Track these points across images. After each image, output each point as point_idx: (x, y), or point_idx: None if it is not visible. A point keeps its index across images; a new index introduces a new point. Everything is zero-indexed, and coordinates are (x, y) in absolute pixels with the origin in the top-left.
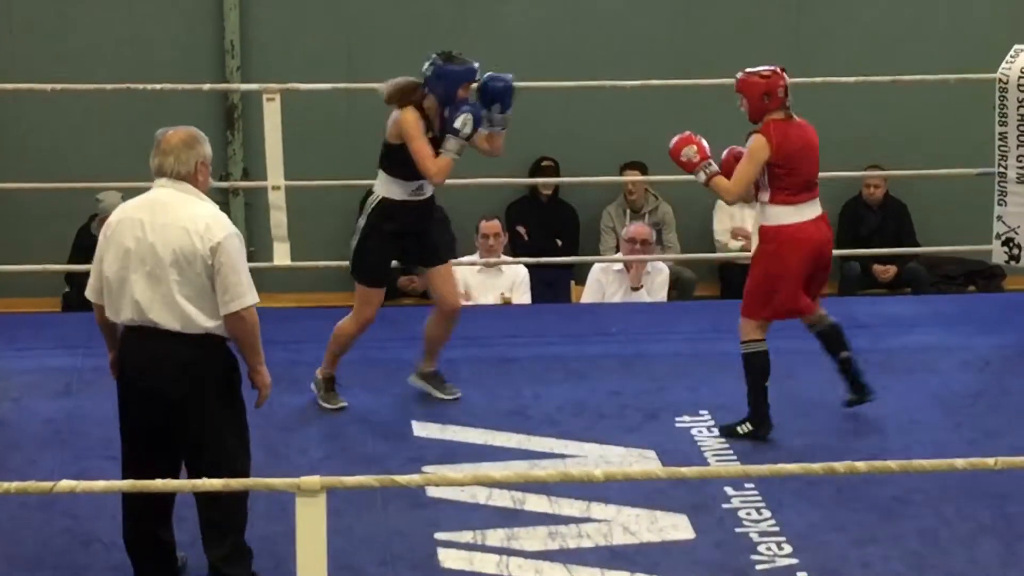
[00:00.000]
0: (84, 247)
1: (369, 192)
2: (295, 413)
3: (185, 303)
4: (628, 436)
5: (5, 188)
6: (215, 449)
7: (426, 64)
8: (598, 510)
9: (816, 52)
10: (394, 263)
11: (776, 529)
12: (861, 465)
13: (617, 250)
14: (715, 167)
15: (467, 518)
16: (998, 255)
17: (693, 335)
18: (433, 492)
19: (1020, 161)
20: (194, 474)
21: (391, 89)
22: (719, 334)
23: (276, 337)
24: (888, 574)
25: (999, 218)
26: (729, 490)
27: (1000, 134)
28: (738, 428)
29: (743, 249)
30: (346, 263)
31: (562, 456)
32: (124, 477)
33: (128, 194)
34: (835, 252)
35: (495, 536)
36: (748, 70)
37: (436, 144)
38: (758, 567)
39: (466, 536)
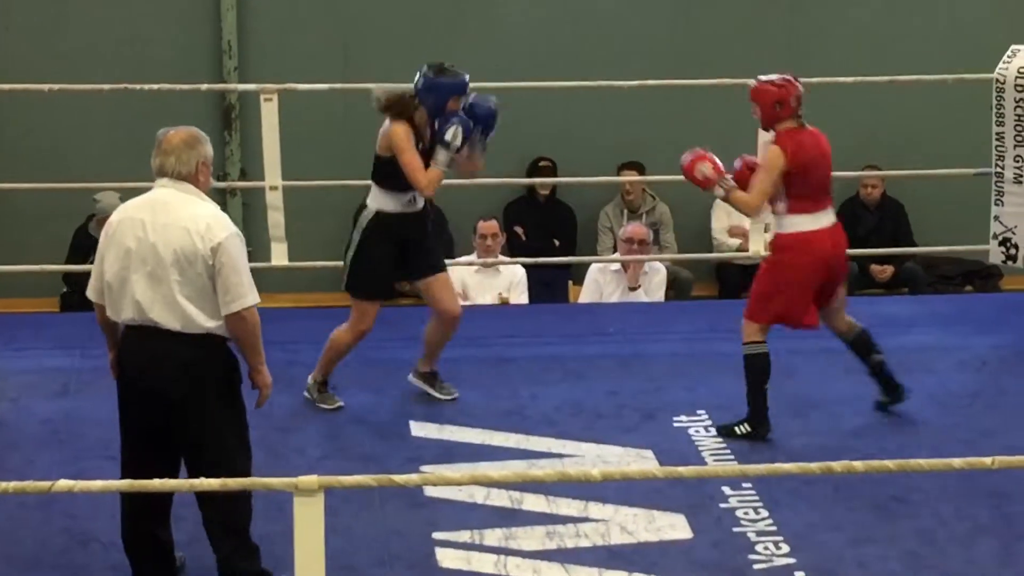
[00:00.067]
0: (82, 247)
1: (362, 206)
2: (293, 413)
3: (186, 303)
4: (626, 436)
5: (2, 188)
6: (215, 449)
7: (417, 76)
8: (596, 510)
9: (813, 52)
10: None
11: (774, 529)
12: (858, 465)
13: (614, 250)
14: (731, 182)
15: (465, 518)
16: (995, 255)
17: (690, 335)
18: (431, 492)
19: (1017, 161)
20: (195, 474)
21: (386, 99)
22: (716, 334)
23: (273, 337)
24: (885, 574)
25: (996, 218)
26: (727, 490)
27: (997, 134)
28: (736, 428)
29: (741, 248)
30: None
31: (560, 456)
32: (123, 476)
33: (126, 194)
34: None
35: (493, 536)
36: (762, 78)
37: (426, 156)
38: (756, 567)
39: (464, 536)
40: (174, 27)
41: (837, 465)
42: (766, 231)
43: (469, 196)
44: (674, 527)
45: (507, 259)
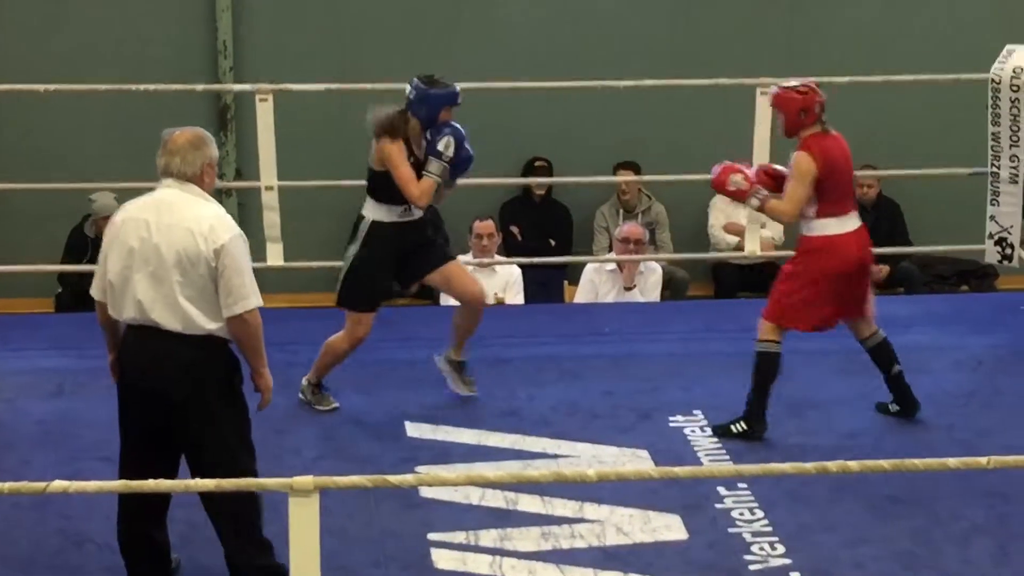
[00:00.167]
0: (77, 248)
1: (360, 218)
2: (288, 414)
3: (187, 304)
4: (621, 436)
5: None
6: (217, 449)
7: (408, 88)
8: (591, 510)
9: (809, 52)
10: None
11: (769, 529)
12: (854, 465)
13: (610, 250)
14: (765, 192)
15: (460, 518)
16: (991, 255)
17: (686, 335)
18: (426, 492)
19: (1013, 161)
20: (198, 475)
21: (378, 126)
22: (712, 334)
23: (269, 338)
24: (881, 574)
25: (992, 218)
26: (722, 490)
27: (993, 134)
28: (732, 427)
29: (738, 246)
30: (339, 263)
31: (555, 456)
32: (122, 477)
33: (122, 195)
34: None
35: (488, 536)
36: (784, 85)
37: (419, 167)
38: (751, 567)
39: (459, 537)
40: (170, 27)
41: (832, 465)
42: (763, 227)
43: (465, 196)
44: (669, 528)
45: (503, 259)
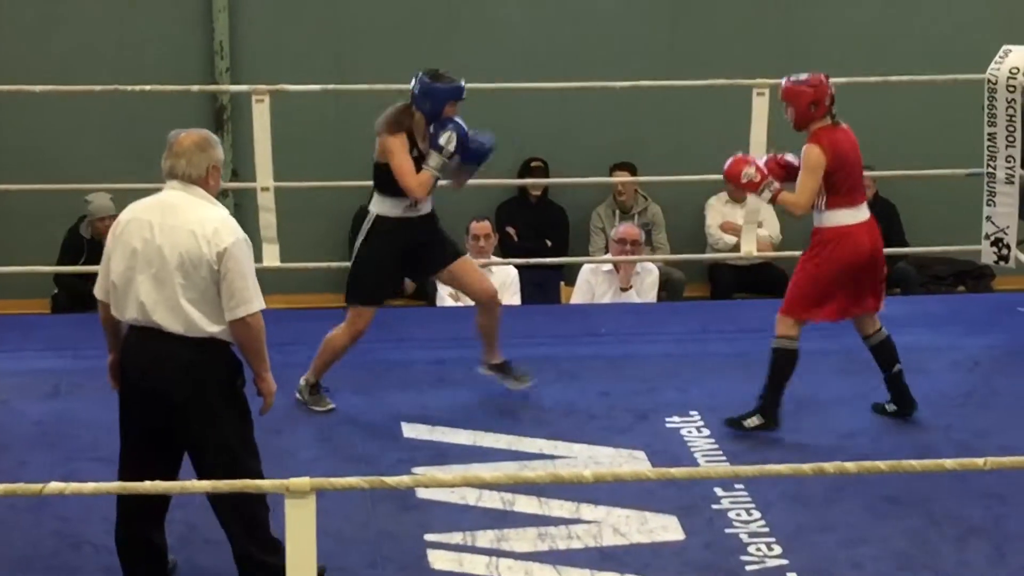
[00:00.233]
0: (73, 249)
1: (367, 212)
2: (284, 415)
3: (189, 307)
4: (618, 437)
5: None
6: (218, 451)
7: (413, 81)
8: (588, 511)
9: (805, 53)
10: (407, 281)
11: (766, 530)
12: (851, 466)
13: (607, 251)
14: (777, 184)
15: (457, 519)
16: (987, 255)
17: (683, 336)
18: (423, 493)
19: (1009, 162)
20: (201, 476)
21: (383, 124)
22: (709, 335)
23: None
24: (878, 574)
25: (988, 218)
26: (719, 491)
27: (989, 135)
28: (745, 422)
29: (735, 246)
30: (335, 264)
31: (552, 457)
32: (121, 478)
33: (118, 196)
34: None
35: (485, 537)
36: (793, 78)
37: (423, 161)
38: (748, 568)
39: (456, 537)
40: (166, 28)
41: (829, 466)
42: (759, 227)
43: (461, 197)
44: (666, 528)
45: (499, 260)
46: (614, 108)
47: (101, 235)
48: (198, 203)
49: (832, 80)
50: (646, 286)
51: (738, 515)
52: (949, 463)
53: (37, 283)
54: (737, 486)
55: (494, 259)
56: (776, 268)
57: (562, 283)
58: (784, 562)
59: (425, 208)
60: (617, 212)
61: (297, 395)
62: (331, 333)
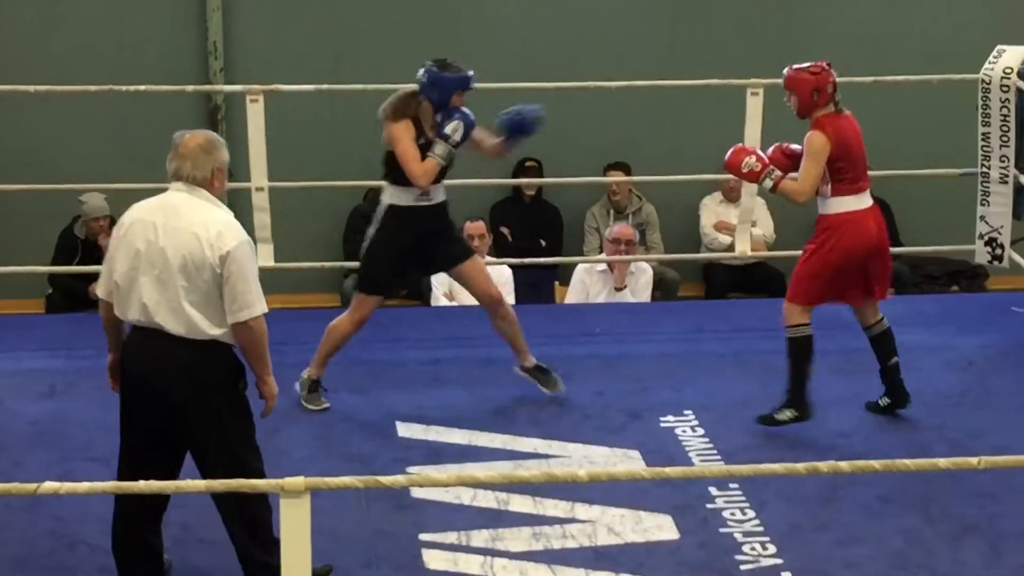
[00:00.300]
0: (67, 249)
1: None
2: (279, 414)
3: (191, 310)
4: (612, 436)
5: None
6: (219, 451)
7: (420, 71)
8: (582, 511)
9: (800, 53)
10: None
11: (760, 529)
12: (845, 465)
13: (601, 251)
14: (779, 172)
15: (451, 519)
16: (981, 255)
17: (677, 335)
18: (417, 493)
19: (1003, 161)
20: (203, 477)
21: (388, 110)
22: (703, 334)
23: None
24: (873, 574)
25: (982, 218)
26: (713, 490)
27: (983, 134)
28: (778, 416)
29: (730, 246)
30: (330, 264)
31: (546, 456)
32: (120, 478)
33: (112, 196)
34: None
35: (479, 537)
36: (796, 66)
37: (428, 149)
38: (742, 567)
39: (450, 537)
40: (160, 28)
41: (823, 465)
42: (753, 226)
43: (455, 197)
44: (661, 528)
45: (493, 260)
46: (608, 108)
47: (95, 235)
48: (202, 205)
49: None
50: (640, 286)
51: (732, 514)
52: (943, 462)
53: (31, 283)
54: (732, 485)
55: (488, 259)
56: (770, 267)
57: (556, 283)
58: (778, 561)
59: (437, 197)
60: (611, 212)
61: (297, 387)
62: (333, 322)
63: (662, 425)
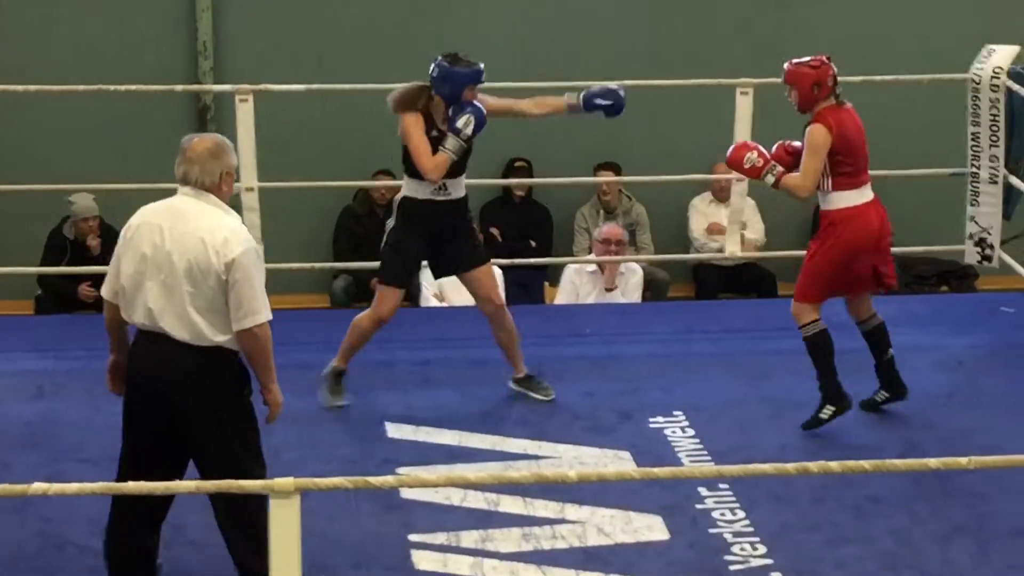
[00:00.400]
0: (56, 249)
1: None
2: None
3: (196, 315)
4: (602, 437)
5: None
6: (221, 455)
7: (432, 65)
8: (572, 511)
9: (791, 53)
10: (425, 267)
11: (750, 529)
12: (834, 465)
13: (591, 251)
14: (780, 168)
15: (441, 520)
16: (971, 255)
17: (667, 336)
18: (407, 494)
19: (992, 161)
20: (204, 479)
21: (395, 100)
22: (693, 335)
23: None
24: (862, 574)
25: (972, 218)
26: (703, 490)
27: (972, 134)
28: (821, 415)
29: (720, 249)
30: (319, 264)
31: (536, 457)
32: (120, 482)
33: (100, 196)
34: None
35: (469, 538)
36: (795, 61)
37: (439, 143)
38: (732, 567)
39: (440, 538)
40: (149, 28)
41: (813, 465)
42: (743, 229)
43: None
44: (651, 528)
45: None
46: None
47: (84, 236)
48: (209, 210)
49: None
50: (630, 286)
51: (722, 515)
52: (933, 462)
53: (20, 284)
54: (721, 486)
55: None
56: (760, 268)
57: (546, 283)
58: (768, 561)
59: (456, 193)
60: (601, 212)
61: (324, 372)
62: (357, 316)
63: (652, 426)
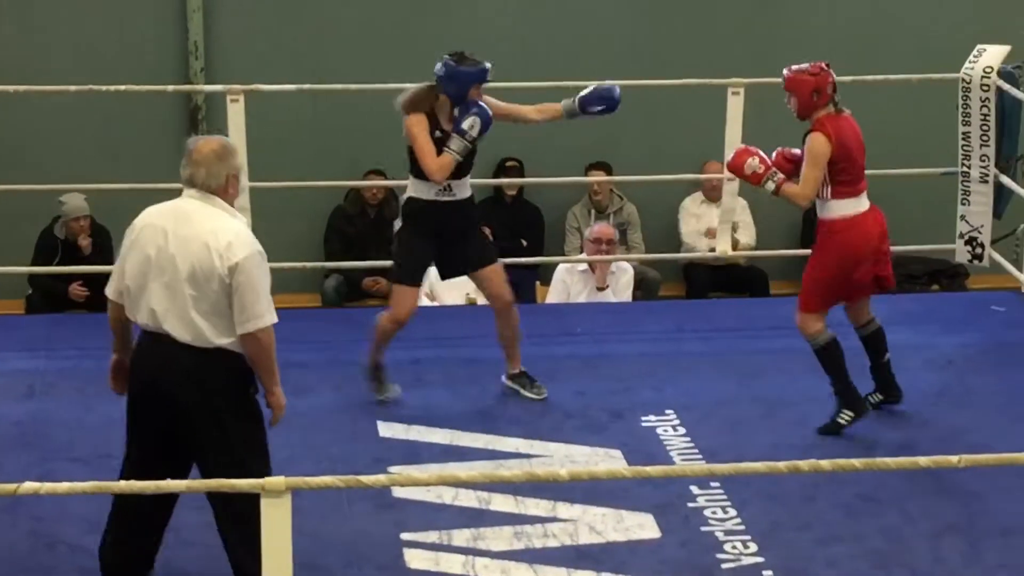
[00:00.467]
0: (47, 249)
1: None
2: None
3: (199, 318)
4: (594, 436)
5: None
6: (223, 456)
7: (438, 64)
8: (564, 510)
9: (785, 53)
10: (433, 268)
11: (742, 528)
12: (826, 463)
13: (582, 250)
14: (781, 175)
15: (433, 518)
16: (961, 254)
17: (658, 335)
18: (399, 492)
19: (983, 161)
20: (204, 479)
21: (404, 102)
22: (684, 334)
23: None
24: (853, 572)
25: (962, 217)
26: (695, 489)
27: (963, 134)
28: (839, 420)
29: (711, 249)
30: (311, 264)
31: (528, 456)
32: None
33: (91, 196)
34: (800, 252)
35: (461, 536)
36: (794, 67)
37: (444, 143)
38: (724, 566)
39: (432, 536)
40: (140, 28)
41: (804, 464)
42: (734, 231)
43: None
44: (642, 527)
45: None
46: None
47: (75, 235)
48: (214, 213)
49: None
50: (621, 285)
51: (714, 513)
52: (924, 461)
53: (11, 283)
54: (713, 484)
55: None
56: (751, 267)
57: (537, 283)
58: (759, 560)
59: (461, 194)
60: (592, 212)
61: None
62: (378, 315)
63: (643, 424)
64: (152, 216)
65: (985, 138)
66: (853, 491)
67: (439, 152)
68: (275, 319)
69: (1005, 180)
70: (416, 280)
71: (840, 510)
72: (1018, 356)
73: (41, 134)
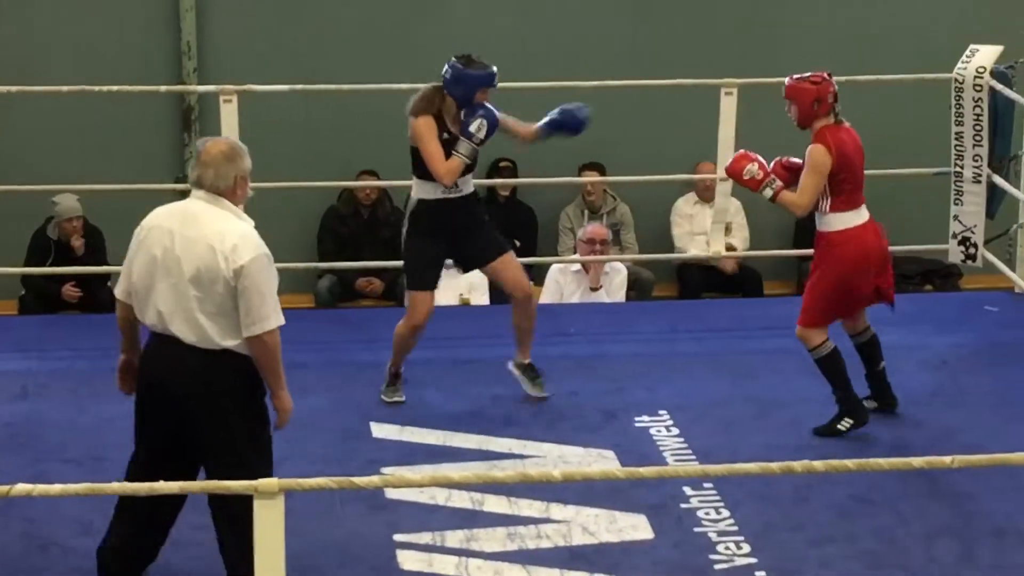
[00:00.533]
0: (40, 250)
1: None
2: None
3: (205, 320)
4: (587, 436)
5: None
6: (226, 456)
7: (445, 67)
8: (557, 511)
9: (779, 53)
10: (449, 262)
11: (735, 528)
12: (819, 464)
13: (575, 251)
14: (780, 183)
15: (426, 519)
16: (954, 254)
17: (651, 335)
18: (392, 494)
19: (976, 161)
20: (208, 479)
21: (413, 103)
22: (677, 334)
23: None
24: (846, 573)
25: (955, 217)
26: (688, 490)
27: (956, 134)
28: (839, 426)
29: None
30: (303, 265)
31: (521, 457)
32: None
33: (84, 197)
34: (793, 252)
35: (454, 537)
36: (796, 76)
37: (452, 146)
38: (717, 567)
39: (425, 537)
40: (133, 29)
41: (797, 465)
42: (727, 233)
43: None
44: (635, 527)
45: None
46: None
47: (68, 236)
48: (221, 215)
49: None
50: (615, 286)
51: (707, 514)
52: (917, 462)
53: (4, 284)
54: (706, 485)
55: None
56: (745, 267)
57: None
58: (753, 561)
59: (466, 189)
60: (586, 212)
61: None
62: (397, 323)
63: (637, 425)
64: (159, 217)
65: (978, 138)
66: (846, 492)
67: (447, 155)
68: (281, 321)
69: (998, 180)
70: (429, 284)
71: (833, 511)
72: (1011, 356)
73: (34, 134)
